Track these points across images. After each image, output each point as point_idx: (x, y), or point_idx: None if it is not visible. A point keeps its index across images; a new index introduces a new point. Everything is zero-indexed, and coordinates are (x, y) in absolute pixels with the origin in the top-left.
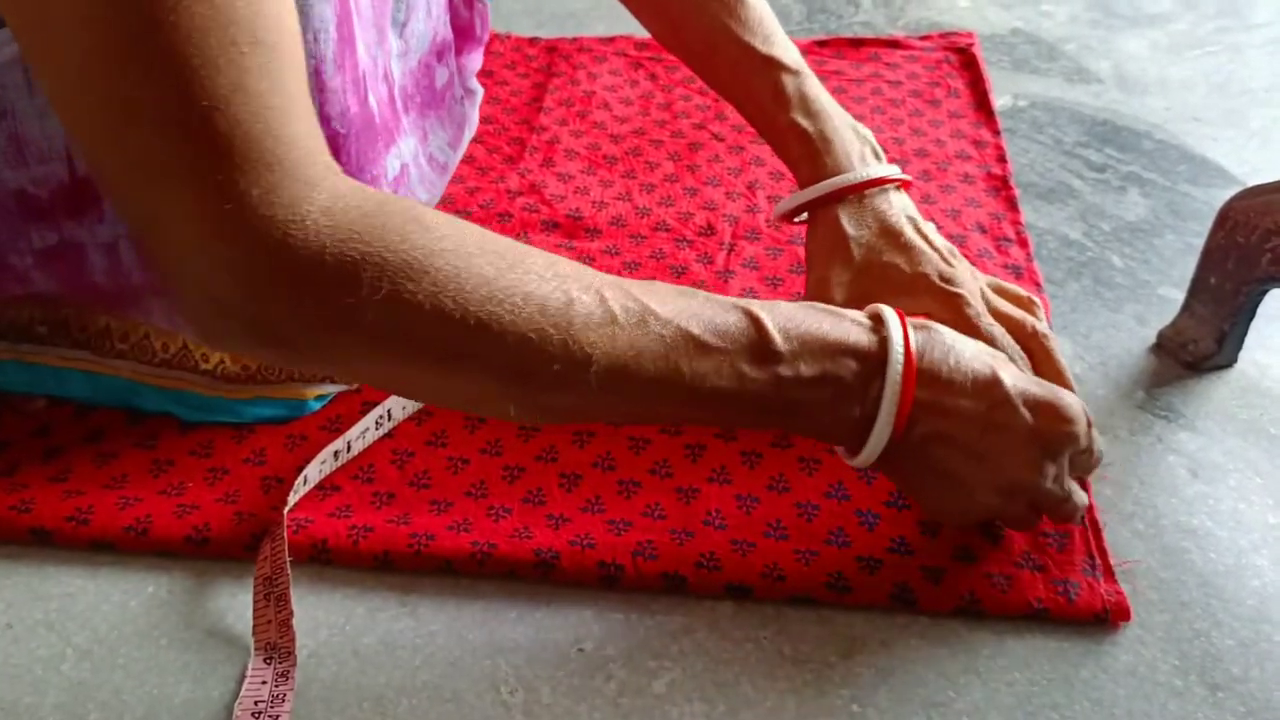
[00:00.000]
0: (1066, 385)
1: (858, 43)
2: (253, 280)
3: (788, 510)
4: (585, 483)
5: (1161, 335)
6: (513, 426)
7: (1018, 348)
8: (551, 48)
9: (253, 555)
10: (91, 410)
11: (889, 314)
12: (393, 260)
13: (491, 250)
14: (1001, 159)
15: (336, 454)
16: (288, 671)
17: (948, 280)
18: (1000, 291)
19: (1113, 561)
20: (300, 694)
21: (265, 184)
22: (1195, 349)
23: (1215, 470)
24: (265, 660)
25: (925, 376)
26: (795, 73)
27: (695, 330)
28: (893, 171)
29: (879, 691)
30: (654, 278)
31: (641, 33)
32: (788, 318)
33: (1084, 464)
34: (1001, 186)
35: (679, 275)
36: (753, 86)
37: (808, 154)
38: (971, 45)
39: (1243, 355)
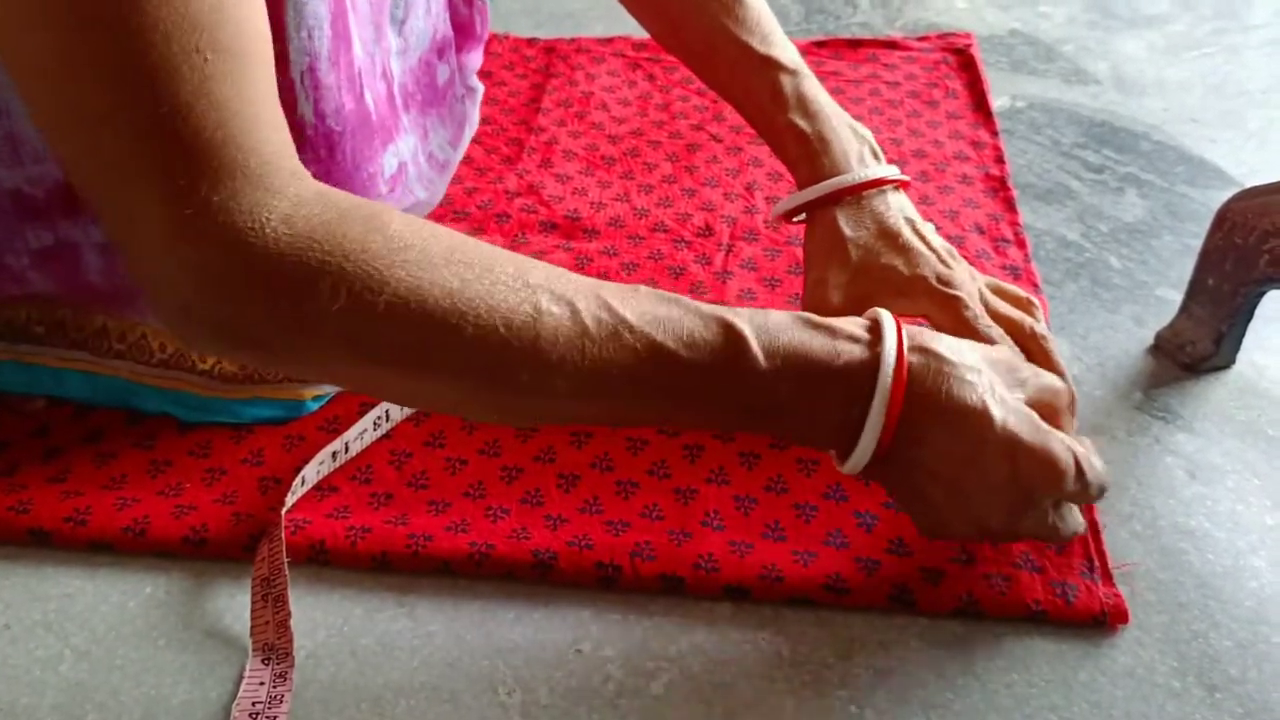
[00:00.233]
0: (1066, 387)
1: (856, 43)
2: (216, 284)
3: (786, 511)
4: (583, 483)
5: (1159, 336)
6: (510, 428)
7: (1017, 349)
8: (549, 48)
9: (251, 556)
10: (90, 411)
11: (888, 330)
12: (350, 270)
13: (459, 260)
14: (999, 160)
15: (334, 455)
16: (285, 672)
17: (945, 282)
18: (999, 292)
19: (1111, 563)
20: (298, 695)
21: (226, 190)
22: (1193, 350)
23: (1213, 471)
24: (263, 661)
25: (913, 403)
26: (793, 73)
27: (670, 344)
28: (891, 172)
29: (877, 693)
30: (652, 279)
31: (640, 33)
32: (774, 334)
33: (1080, 500)
34: (999, 187)
35: (677, 276)
36: (751, 87)
37: (805, 155)
38: (969, 46)
39: (1240, 356)
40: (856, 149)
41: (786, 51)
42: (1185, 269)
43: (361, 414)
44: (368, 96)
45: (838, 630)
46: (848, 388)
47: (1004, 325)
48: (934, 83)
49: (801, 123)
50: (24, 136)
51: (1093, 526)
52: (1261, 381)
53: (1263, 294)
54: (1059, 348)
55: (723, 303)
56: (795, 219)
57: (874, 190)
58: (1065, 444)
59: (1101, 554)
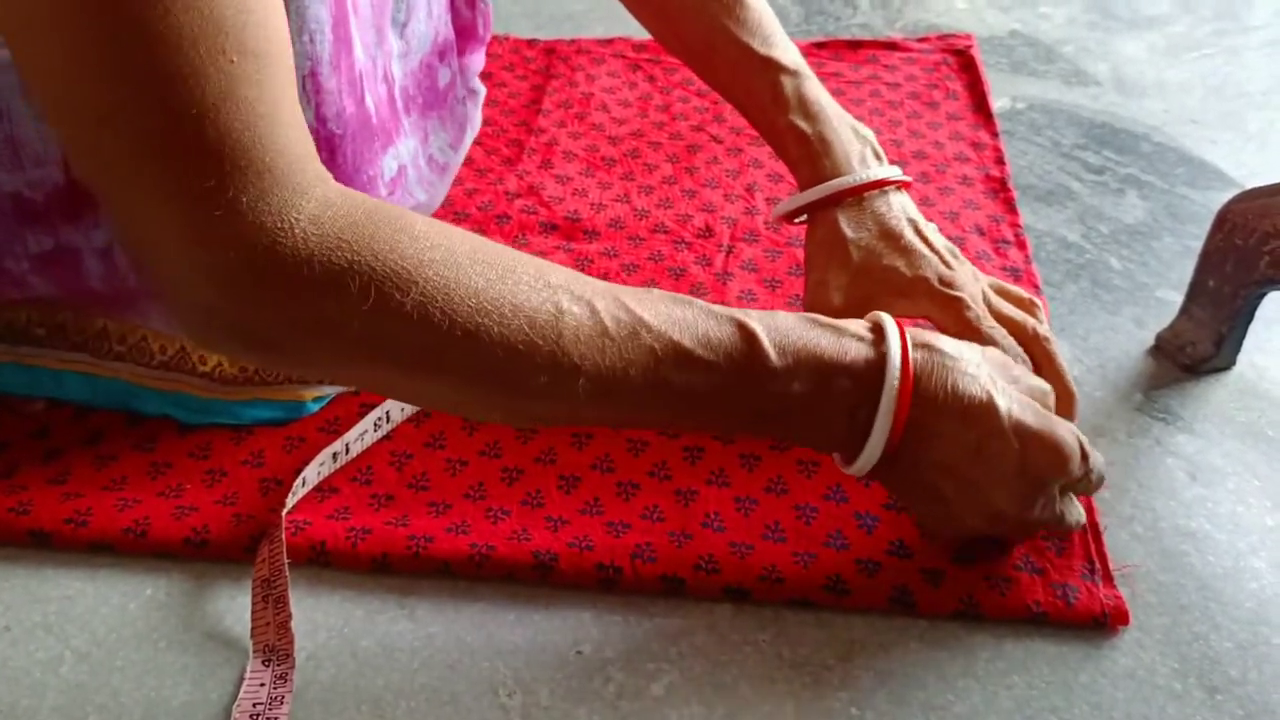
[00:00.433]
0: (1067, 388)
1: (856, 45)
2: (240, 287)
3: (786, 513)
4: (584, 485)
5: (1160, 338)
6: (511, 429)
7: (1020, 350)
8: (550, 49)
9: (251, 557)
10: (90, 412)
11: (890, 329)
12: (380, 269)
13: (482, 260)
14: (1000, 161)
15: (335, 456)
16: (286, 674)
17: (948, 283)
18: (1002, 293)
19: (1111, 565)
20: (298, 696)
21: (254, 192)
22: (1193, 351)
23: (1213, 473)
24: (264, 662)
25: (921, 399)
26: (794, 74)
27: (687, 343)
28: (893, 173)
29: (877, 694)
30: (652, 280)
31: (639, 34)
32: (784, 333)
33: (1083, 489)
34: (1000, 189)
35: (677, 277)
36: (752, 88)
37: (807, 156)
38: (970, 47)
39: (1241, 358)
40: (858, 150)
41: (788, 53)
42: (1186, 270)
43: (362, 415)
44: (369, 100)
45: (838, 632)
46: (856, 385)
47: (1007, 326)
48: (934, 84)
49: (802, 124)
50: (24, 140)
51: (1094, 528)
52: (1262, 383)
53: (1263, 295)
54: (1062, 349)
55: (723, 304)
56: (797, 220)
57: (875, 191)
58: (1069, 428)
59: (1102, 555)
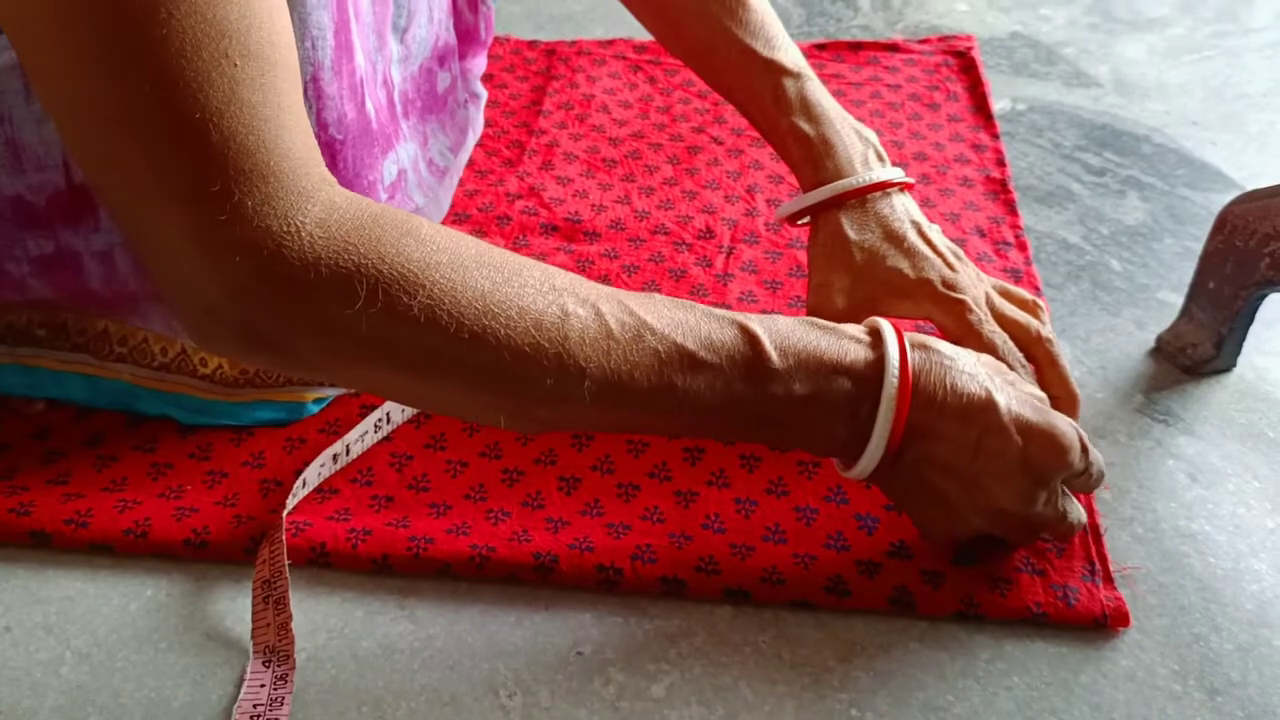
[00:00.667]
0: (1070, 391)
1: (857, 46)
2: (247, 290)
3: (787, 514)
4: (584, 486)
5: (1160, 339)
6: (513, 431)
7: (1020, 355)
8: (550, 51)
9: (251, 558)
10: (91, 413)
11: (888, 332)
12: (387, 272)
13: (488, 263)
14: (1000, 162)
15: (335, 457)
16: (286, 674)
17: (951, 286)
18: (1005, 294)
19: (1112, 566)
20: (299, 697)
21: (259, 195)
22: (1194, 353)
23: (1214, 474)
24: (264, 663)
25: (920, 398)
26: (796, 75)
27: (691, 345)
28: (896, 175)
29: (878, 696)
30: (653, 281)
31: (640, 36)
32: (784, 335)
33: (1083, 485)
34: (1000, 190)
35: (678, 279)
36: (754, 90)
37: (809, 158)
38: (970, 49)
39: (1241, 359)
40: (860, 151)
41: (790, 54)
42: (1186, 272)
43: (362, 416)
44: (369, 105)
45: (838, 633)
46: (856, 385)
47: (1010, 328)
48: (935, 85)
49: (804, 125)
50: (25, 144)
51: (1094, 529)
52: (1262, 384)
53: (1263, 297)
54: (1066, 352)
55: (724, 306)
56: (799, 222)
57: (878, 193)
58: (1069, 422)
59: (1103, 557)
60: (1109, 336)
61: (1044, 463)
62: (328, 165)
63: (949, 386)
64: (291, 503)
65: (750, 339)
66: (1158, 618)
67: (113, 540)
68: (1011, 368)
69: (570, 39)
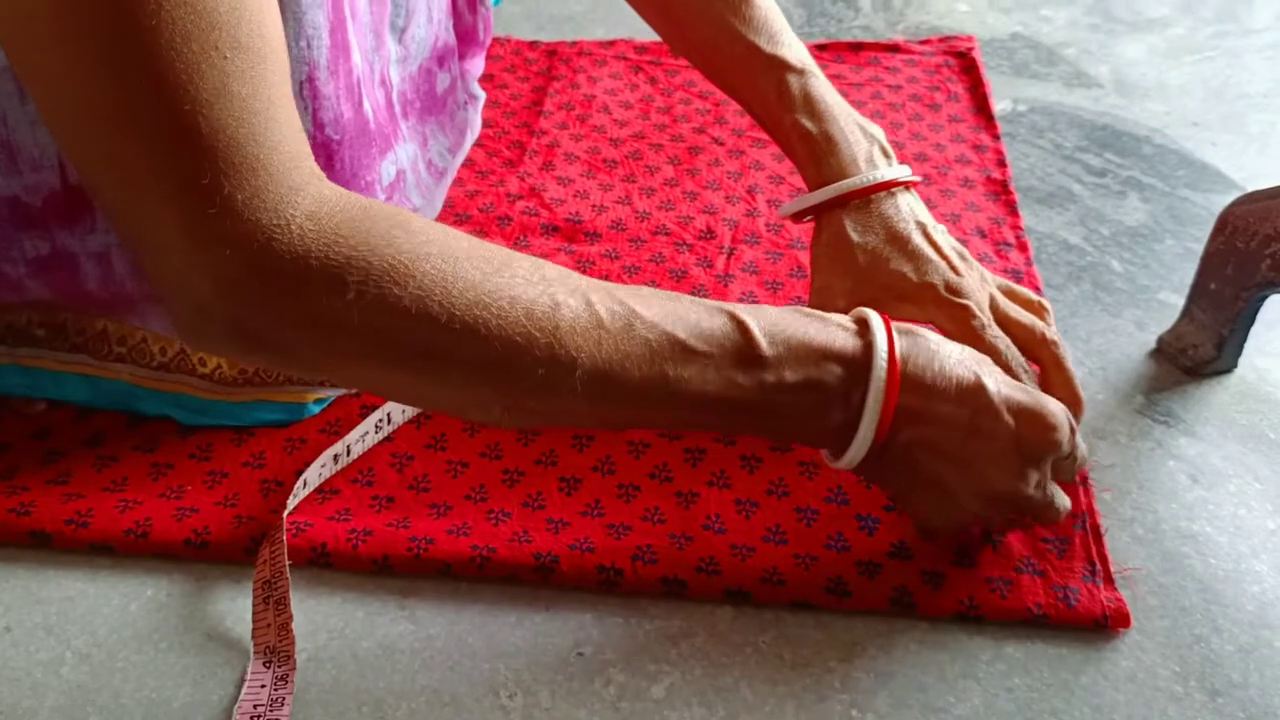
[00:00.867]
0: (1075, 394)
1: (857, 47)
2: (237, 285)
3: (787, 515)
4: (585, 487)
5: (1161, 340)
6: (512, 430)
7: (1023, 360)
8: (551, 51)
9: (252, 558)
10: (91, 413)
11: (874, 318)
12: (378, 264)
13: (478, 255)
14: (1001, 163)
15: (336, 457)
16: (287, 675)
17: (954, 290)
18: (1010, 295)
19: (1112, 567)
20: (299, 697)
21: (249, 188)
22: (1195, 354)
23: (1215, 475)
24: (264, 664)
25: (909, 382)
26: (800, 72)
27: (681, 334)
28: (901, 173)
29: (878, 696)
30: (653, 281)
31: (641, 36)
32: (773, 322)
33: (1067, 469)
34: (1001, 191)
35: (678, 279)
36: (758, 87)
37: (812, 156)
38: (971, 50)
39: (1242, 360)
40: (865, 149)
41: (794, 50)
42: (1187, 273)
43: (363, 417)
44: (366, 105)
45: (839, 633)
46: (846, 370)
47: (1015, 330)
48: (936, 86)
49: (807, 123)
50: (20, 144)
51: (1095, 530)
52: (1263, 385)
53: (1264, 298)
54: (1071, 354)
55: None
56: (804, 219)
57: (883, 193)
58: (1057, 403)
59: (1103, 557)
60: (1110, 337)
61: (1035, 442)
62: (324, 166)
63: (938, 369)
64: (292, 503)
65: (740, 327)
66: (1159, 619)
67: (113, 540)
68: (1013, 373)
69: (571, 39)
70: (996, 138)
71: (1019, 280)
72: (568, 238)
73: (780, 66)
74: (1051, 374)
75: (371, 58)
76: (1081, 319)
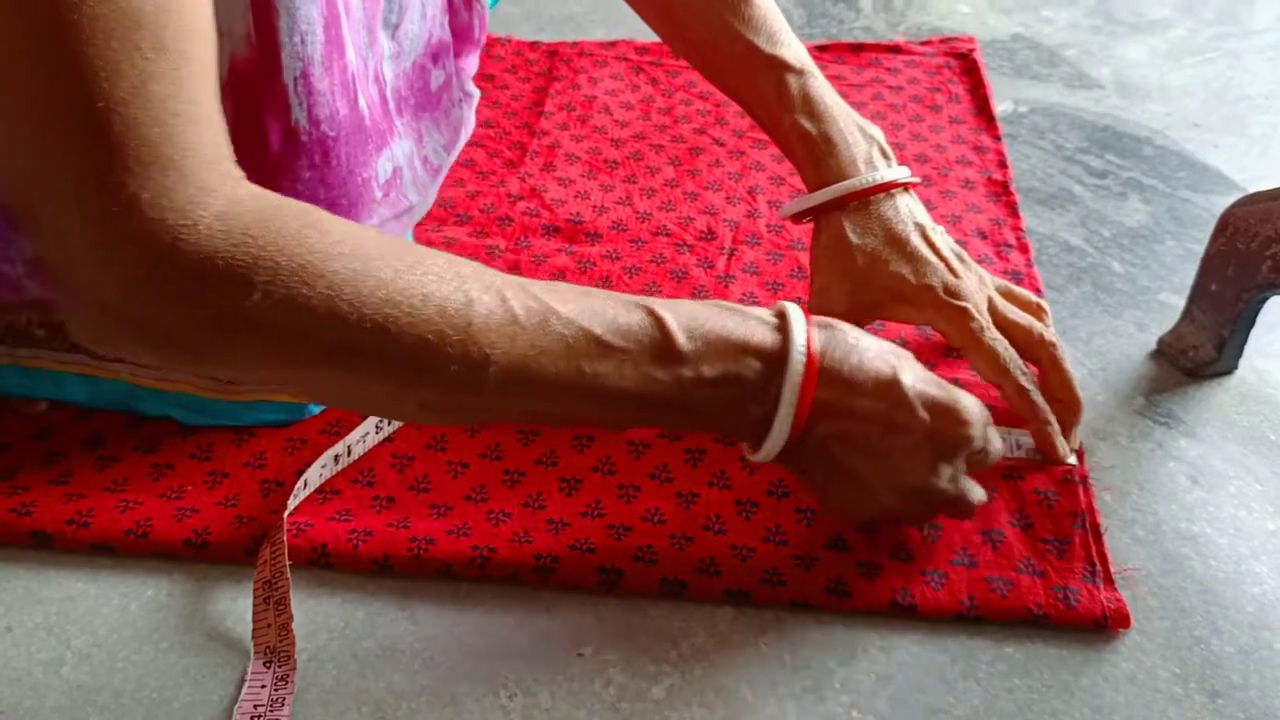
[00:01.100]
0: (1073, 395)
1: (858, 48)
2: (141, 283)
3: (787, 515)
4: (585, 487)
5: (1162, 341)
6: (512, 431)
7: (1021, 363)
8: (552, 52)
9: (252, 559)
10: (92, 413)
11: (794, 312)
12: (286, 264)
13: (391, 254)
14: (1002, 164)
15: (336, 458)
16: (287, 675)
17: (953, 293)
18: (1009, 296)
19: (1113, 568)
20: (299, 698)
21: (156, 187)
22: (1195, 355)
23: (1215, 477)
24: (265, 664)
25: (826, 376)
26: (800, 72)
27: (598, 330)
28: (900, 174)
29: (878, 697)
30: (654, 282)
31: (641, 37)
32: (691, 317)
33: (979, 463)
34: (1002, 192)
35: (679, 280)
36: (757, 87)
37: (811, 157)
38: (972, 51)
39: (1243, 362)
40: (864, 150)
41: (793, 50)
42: (1188, 274)
43: (364, 417)
44: (361, 101)
45: (839, 634)
46: (764, 365)
47: (1013, 332)
48: (936, 87)
49: (807, 124)
50: None
51: (1095, 530)
52: (1264, 387)
53: (1265, 299)
54: (1070, 355)
55: None
56: (804, 220)
57: (882, 195)
58: (972, 398)
59: (1103, 558)
60: (1110, 339)
61: (949, 437)
62: (321, 162)
63: (856, 363)
64: (292, 503)
65: (657, 322)
66: (1159, 620)
67: (114, 540)
68: (1012, 374)
69: (572, 40)
70: (997, 139)
71: (1020, 282)
72: (568, 238)
73: (779, 67)
74: (1050, 375)
75: (365, 54)
76: (1082, 320)
